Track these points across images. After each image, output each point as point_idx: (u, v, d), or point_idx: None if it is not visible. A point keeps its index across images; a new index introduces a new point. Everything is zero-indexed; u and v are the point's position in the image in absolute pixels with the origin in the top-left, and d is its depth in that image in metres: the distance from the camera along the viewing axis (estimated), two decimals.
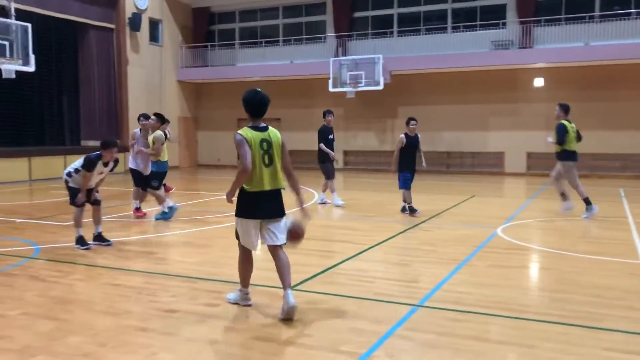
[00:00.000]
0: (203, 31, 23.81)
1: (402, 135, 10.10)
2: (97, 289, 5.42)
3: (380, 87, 19.01)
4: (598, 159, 18.69)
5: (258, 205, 4.59)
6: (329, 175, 11.29)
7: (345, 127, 21.68)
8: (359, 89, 19.21)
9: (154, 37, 22.09)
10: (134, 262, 6.63)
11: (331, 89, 19.62)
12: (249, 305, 4.83)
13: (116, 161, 7.46)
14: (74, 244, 7.24)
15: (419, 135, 10.24)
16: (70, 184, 7.40)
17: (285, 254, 4.72)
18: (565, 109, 9.91)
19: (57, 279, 5.76)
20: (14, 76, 14.63)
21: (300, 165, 22.51)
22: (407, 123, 10.13)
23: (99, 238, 7.42)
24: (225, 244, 7.50)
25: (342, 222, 9.57)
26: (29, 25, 15.08)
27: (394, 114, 21.18)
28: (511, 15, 19.16)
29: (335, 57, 20.34)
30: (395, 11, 21.04)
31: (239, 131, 4.60)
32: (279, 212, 4.71)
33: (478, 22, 19.52)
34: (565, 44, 18.13)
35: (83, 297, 5.18)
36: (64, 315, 4.64)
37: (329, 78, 19.61)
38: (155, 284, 5.56)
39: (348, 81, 19.26)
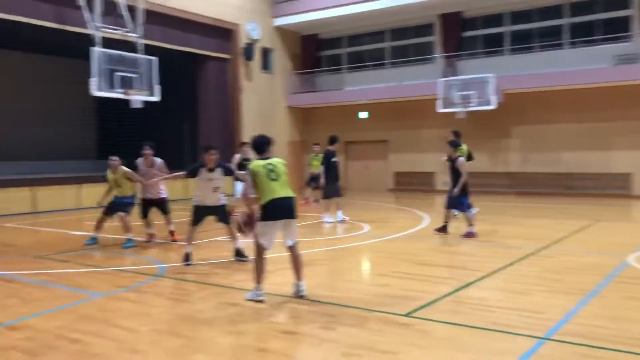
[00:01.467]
0: (312, 57, 24.44)
1: None
2: (218, 308, 5.62)
3: (492, 107, 18.41)
4: None
5: (275, 210, 5.78)
6: (329, 194, 12.37)
7: None
8: (470, 109, 18.73)
9: (266, 66, 23.01)
10: (252, 282, 6.82)
11: (440, 110, 19.30)
12: (261, 302, 5.69)
13: (227, 168, 8.06)
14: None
15: (460, 158, 10.11)
16: (193, 203, 7.92)
17: (298, 252, 5.98)
18: (457, 135, 12.01)
19: (181, 297, 6.05)
20: (141, 106, 15.82)
21: (408, 187, 22.30)
22: None
23: (237, 253, 7.92)
24: (338, 267, 7.54)
25: (459, 248, 9.27)
26: (155, 58, 16.29)
27: (507, 134, 20.39)
28: (637, 27, 17.85)
29: (443, 77, 20.02)
30: (506, 29, 20.38)
31: (250, 165, 6.01)
32: (291, 215, 5.87)
33: (598, 36, 18.38)
34: None
35: (205, 315, 5.39)
36: (189, 332, 4.85)
37: (437, 99, 19.32)
38: (272, 305, 5.67)
39: (458, 101, 18.86)
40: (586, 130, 18.92)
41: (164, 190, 10.01)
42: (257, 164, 5.91)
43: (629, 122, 18.20)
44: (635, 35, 17.79)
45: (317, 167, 16.24)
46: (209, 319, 5.23)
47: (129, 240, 9.39)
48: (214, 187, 7.89)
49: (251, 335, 4.80)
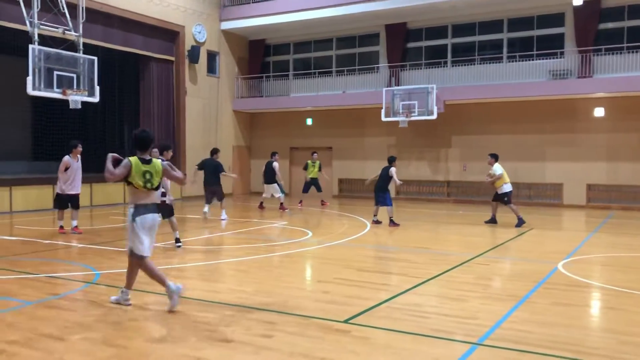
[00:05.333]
0: (258, 62, 24.36)
1: None
2: (154, 317, 5.49)
3: (434, 117, 18.86)
4: None
5: None
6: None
7: (398, 157, 21.48)
8: (412, 118, 19.13)
9: (211, 69, 22.75)
10: (189, 291, 6.70)
11: (384, 119, 19.61)
12: (129, 305, 5.79)
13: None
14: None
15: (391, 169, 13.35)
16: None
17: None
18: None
19: (116, 305, 5.88)
20: (79, 107, 15.29)
21: (352, 194, 22.51)
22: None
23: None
24: (277, 273, 7.51)
25: (397, 254, 9.44)
26: (95, 58, 15.81)
27: (447, 144, 20.94)
28: (570, 44, 18.75)
29: (387, 87, 20.37)
30: (449, 41, 20.96)
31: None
32: None
33: (535, 52, 19.18)
34: (627, 72, 17.54)
35: (140, 324, 5.26)
36: (122, 341, 4.71)
37: (381, 108, 19.63)
38: (210, 312, 5.59)
39: (401, 111, 19.23)
40: (521, 141, 19.67)
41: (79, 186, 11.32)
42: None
43: (562, 134, 19.05)
44: (568, 52, 18.68)
45: (313, 174, 18.28)
46: (143, 328, 5.11)
47: None
48: None
49: (187, 342, 4.70)
